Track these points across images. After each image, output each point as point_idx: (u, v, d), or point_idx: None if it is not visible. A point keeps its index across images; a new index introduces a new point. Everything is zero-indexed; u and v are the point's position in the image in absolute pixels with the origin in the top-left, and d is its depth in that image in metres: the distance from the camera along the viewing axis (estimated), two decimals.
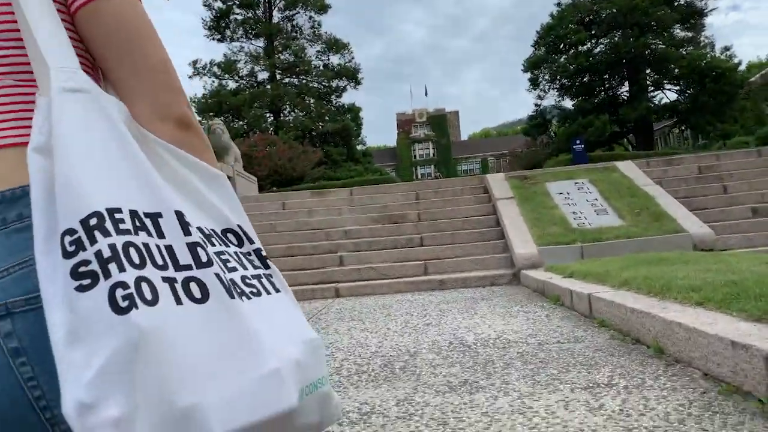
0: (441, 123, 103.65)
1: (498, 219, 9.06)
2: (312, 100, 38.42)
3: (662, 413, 2.08)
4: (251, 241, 0.72)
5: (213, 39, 38.20)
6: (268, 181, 25.86)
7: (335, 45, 38.90)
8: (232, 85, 37.95)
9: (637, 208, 8.37)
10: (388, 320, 5.11)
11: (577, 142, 23.52)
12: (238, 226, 0.71)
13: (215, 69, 37.13)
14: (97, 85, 0.67)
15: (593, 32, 32.32)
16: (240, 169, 12.80)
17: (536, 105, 36.23)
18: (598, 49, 33.17)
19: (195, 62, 36.85)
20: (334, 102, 40.36)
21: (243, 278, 0.66)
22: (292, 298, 0.71)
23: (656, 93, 33.46)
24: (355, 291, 7.62)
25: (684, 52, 30.53)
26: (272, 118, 38.11)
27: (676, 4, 31.81)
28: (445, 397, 2.56)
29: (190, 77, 36.71)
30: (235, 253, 0.68)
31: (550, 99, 36.40)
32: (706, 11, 32.87)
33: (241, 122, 35.92)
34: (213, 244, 0.65)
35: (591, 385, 2.55)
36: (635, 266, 5.17)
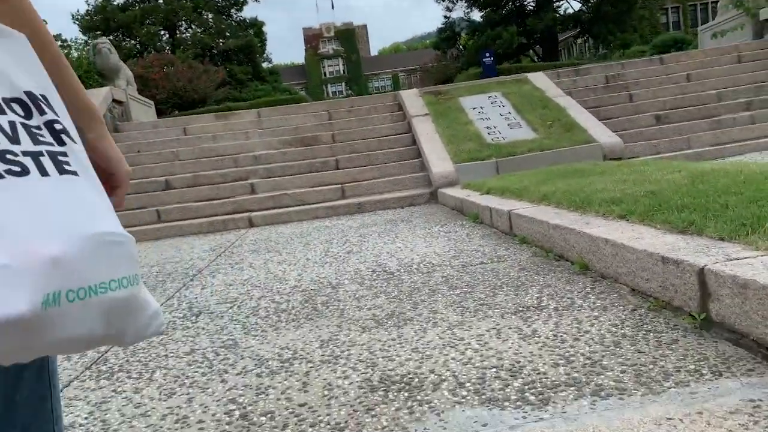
0: (350, 38, 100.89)
1: (414, 137, 8.88)
2: (210, 15, 35.78)
3: (597, 336, 2.01)
4: (43, 112, 0.58)
5: None
6: (168, 104, 24.24)
7: None
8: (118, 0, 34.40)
9: (549, 120, 8.43)
10: (306, 250, 4.89)
11: (487, 54, 23.52)
12: (28, 93, 0.58)
13: None
14: None
15: None
16: (134, 92, 11.74)
17: (445, 17, 35.65)
18: None
19: None
20: (234, 16, 37.76)
21: (1, 153, 0.52)
22: (91, 184, 0.59)
23: (561, 3, 33.70)
24: (269, 220, 7.31)
25: None
26: (167, 35, 35.24)
27: None
28: (372, 334, 2.40)
29: None
30: (11, 123, 0.55)
31: (459, 11, 35.87)
32: None
33: (132, 41, 32.98)
34: None
35: (520, 308, 2.47)
36: (552, 180, 5.18)
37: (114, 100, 10.25)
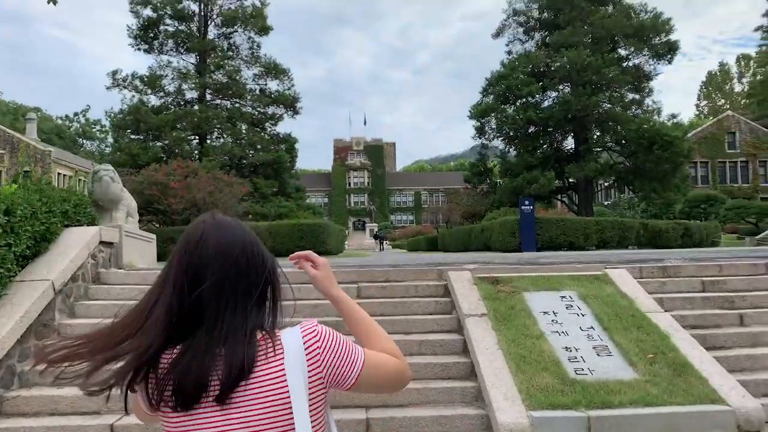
0: (378, 153, 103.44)
1: (466, 343, 6.84)
2: (244, 127, 35.45)
3: None
4: None
5: (139, 49, 34.53)
6: (184, 215, 22.83)
7: (274, 69, 36.06)
8: (154, 101, 34.31)
9: (649, 351, 6.37)
10: None
11: (526, 202, 22.05)
12: None
13: (137, 82, 33.34)
14: None
15: (544, 84, 31.41)
16: (133, 227, 10.01)
17: (480, 153, 34.89)
18: (546, 103, 32.29)
19: (114, 73, 32.95)
20: (268, 130, 37.38)
21: None
22: None
23: (602, 152, 32.88)
24: None
25: (632, 115, 30.08)
26: (197, 141, 34.75)
27: (625, 65, 31.52)
28: None
29: (108, 89, 32.72)
30: None
31: (495, 148, 35.25)
32: (652, 75, 32.86)
33: (160, 143, 32.36)
34: None
35: None
36: None
37: (102, 242, 8.49)
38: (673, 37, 30.38)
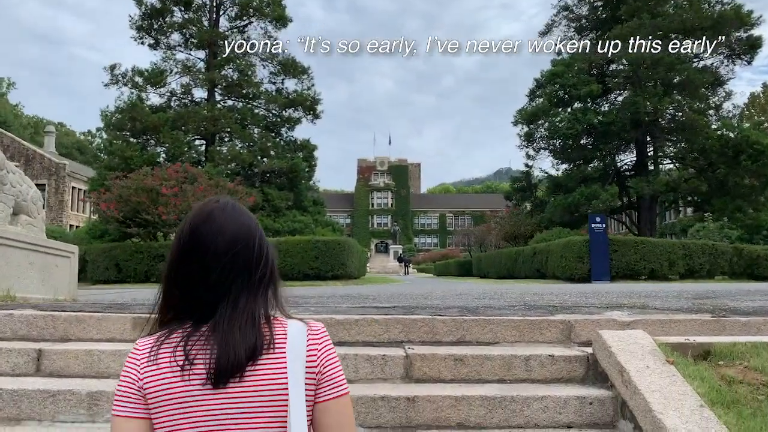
0: (402, 174, 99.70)
1: None
2: (256, 130, 31.56)
3: None
4: None
5: (143, 43, 31.06)
6: (172, 229, 18.86)
7: (293, 67, 32.25)
8: (156, 99, 30.63)
9: None
10: None
11: (597, 220, 17.76)
12: None
13: (137, 78, 29.71)
14: None
15: (607, 85, 27.00)
16: (30, 232, 5.97)
17: (526, 165, 30.44)
18: (605, 107, 27.85)
19: (113, 68, 29.41)
20: (284, 135, 33.46)
21: None
22: None
23: (670, 165, 28.26)
24: None
25: (713, 121, 25.53)
26: (204, 146, 30.95)
27: (701, 65, 27.04)
28: None
29: (105, 86, 29.14)
30: None
31: (541, 161, 31.03)
32: (726, 79, 28.36)
33: (160, 148, 28.62)
34: None
35: None
36: None
37: None
38: (756, 32, 26.04)
